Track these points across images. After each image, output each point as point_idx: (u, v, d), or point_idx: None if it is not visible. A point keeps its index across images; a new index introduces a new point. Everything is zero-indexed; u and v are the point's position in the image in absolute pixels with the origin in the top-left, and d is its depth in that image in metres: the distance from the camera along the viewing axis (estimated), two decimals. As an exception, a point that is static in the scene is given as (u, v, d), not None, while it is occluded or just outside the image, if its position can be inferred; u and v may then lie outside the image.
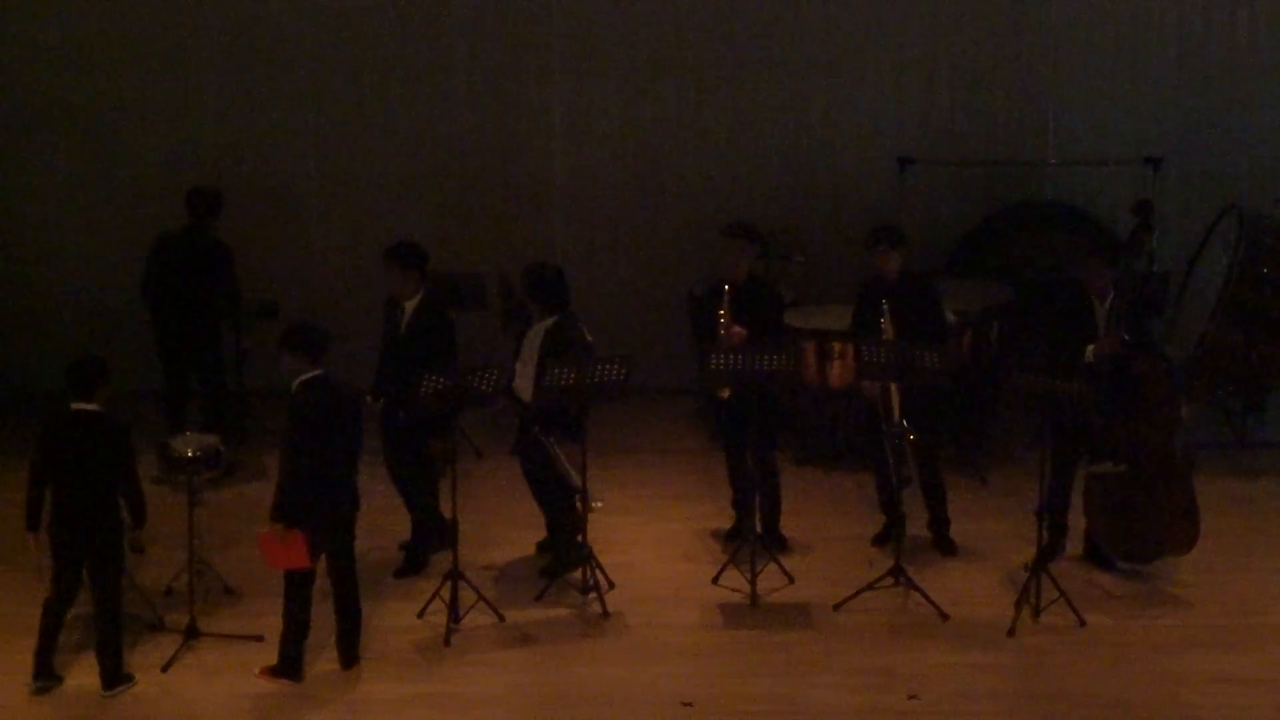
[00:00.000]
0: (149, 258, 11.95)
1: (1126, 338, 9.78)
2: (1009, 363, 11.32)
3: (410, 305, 10.14)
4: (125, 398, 10.19)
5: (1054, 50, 13.45)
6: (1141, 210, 10.29)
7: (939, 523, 10.58)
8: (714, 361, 9.84)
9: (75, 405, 8.77)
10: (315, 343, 8.87)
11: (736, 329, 10.16)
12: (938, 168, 13.16)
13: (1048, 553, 9.84)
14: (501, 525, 10.84)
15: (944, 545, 10.54)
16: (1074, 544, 10.32)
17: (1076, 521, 10.28)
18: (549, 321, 10.00)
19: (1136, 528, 9.95)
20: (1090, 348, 9.84)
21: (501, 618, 9.60)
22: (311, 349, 8.84)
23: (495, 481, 11.52)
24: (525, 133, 13.59)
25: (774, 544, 10.34)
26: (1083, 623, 9.45)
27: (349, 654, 9.07)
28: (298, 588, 8.89)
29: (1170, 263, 12.74)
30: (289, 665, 8.94)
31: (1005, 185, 13.46)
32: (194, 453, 9.46)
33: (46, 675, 8.88)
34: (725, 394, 10.10)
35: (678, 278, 13.03)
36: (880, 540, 10.49)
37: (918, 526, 10.55)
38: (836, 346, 11.47)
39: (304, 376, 8.81)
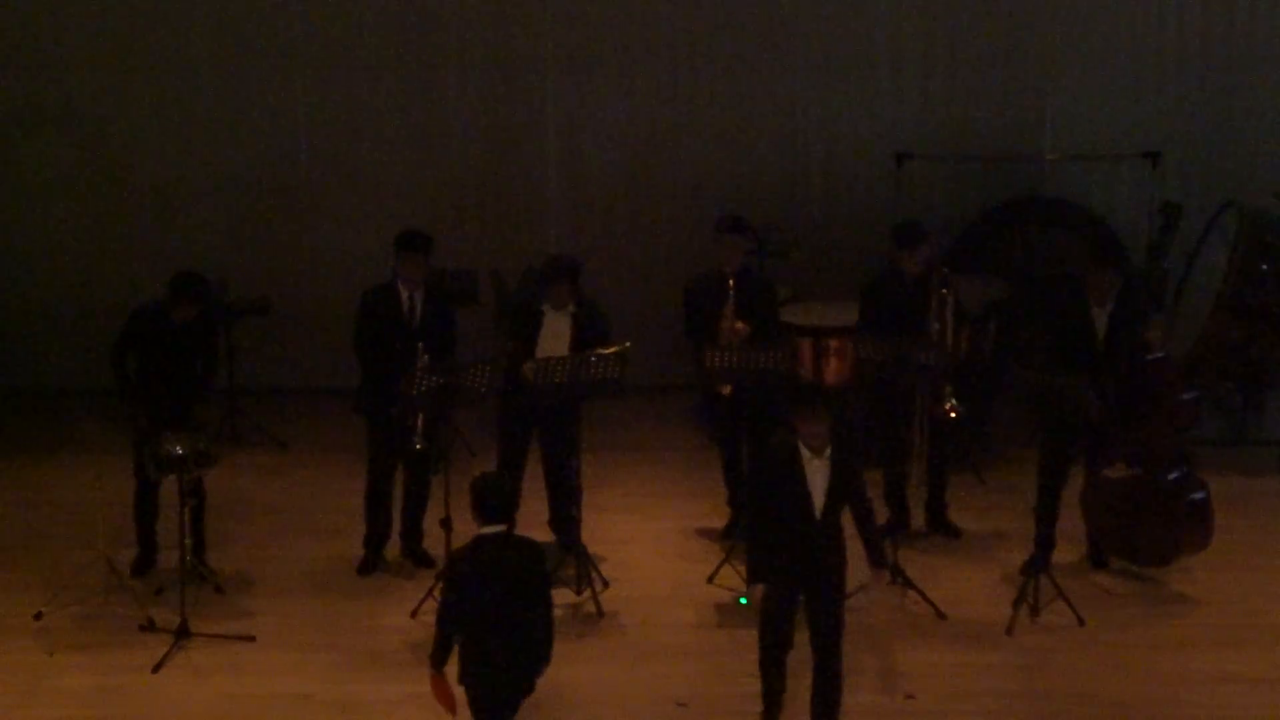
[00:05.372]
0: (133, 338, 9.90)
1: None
2: (1006, 360, 11.25)
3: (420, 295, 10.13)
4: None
5: (1052, 44, 13.38)
6: (1166, 211, 10.35)
7: (942, 506, 10.52)
8: (711, 359, 9.78)
9: None
10: None
11: (740, 325, 10.10)
12: (935, 163, 13.09)
13: (1046, 551, 9.76)
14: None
15: (948, 528, 10.50)
16: (1075, 544, 10.24)
17: (1076, 522, 10.19)
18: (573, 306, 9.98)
19: (1151, 531, 9.86)
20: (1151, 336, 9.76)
21: (495, 617, 9.53)
22: None
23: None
24: (520, 129, 13.53)
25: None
26: (1082, 622, 9.39)
27: None
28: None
29: (1170, 259, 12.67)
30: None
31: (1003, 181, 13.38)
32: (183, 451, 9.38)
33: None
34: (727, 391, 10.03)
35: (673, 274, 12.93)
36: (886, 533, 10.39)
37: (916, 523, 10.51)
38: (834, 343, 11.38)
39: None
